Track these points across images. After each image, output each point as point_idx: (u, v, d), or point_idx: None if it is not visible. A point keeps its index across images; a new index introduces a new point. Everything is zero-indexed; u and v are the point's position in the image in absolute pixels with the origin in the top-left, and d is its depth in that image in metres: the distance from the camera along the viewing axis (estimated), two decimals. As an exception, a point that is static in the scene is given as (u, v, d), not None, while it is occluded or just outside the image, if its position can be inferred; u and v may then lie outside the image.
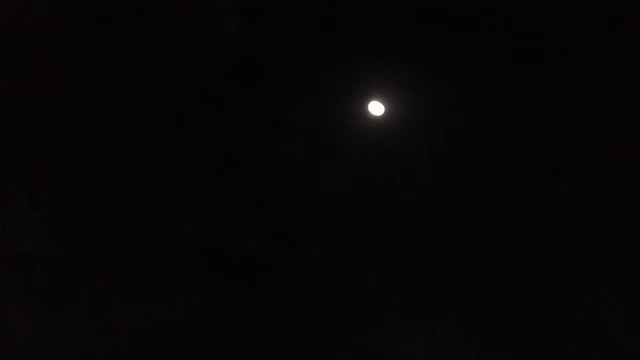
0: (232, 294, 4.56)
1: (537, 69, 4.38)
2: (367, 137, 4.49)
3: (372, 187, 4.60)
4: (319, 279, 4.64)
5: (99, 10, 4.20)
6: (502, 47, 4.30)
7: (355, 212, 4.64)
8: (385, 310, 4.68)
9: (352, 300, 4.65)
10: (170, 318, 4.45)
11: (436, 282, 4.70)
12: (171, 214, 4.46)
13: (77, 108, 4.29)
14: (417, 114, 4.45)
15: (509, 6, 4.21)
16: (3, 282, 4.22)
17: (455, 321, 4.69)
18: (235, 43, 4.29)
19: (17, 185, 4.27)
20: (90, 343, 4.31)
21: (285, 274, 4.63)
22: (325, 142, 4.47)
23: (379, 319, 4.69)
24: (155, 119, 4.36)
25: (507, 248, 4.68)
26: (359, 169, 4.56)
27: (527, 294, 4.73)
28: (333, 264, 4.64)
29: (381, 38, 4.29)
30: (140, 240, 4.44)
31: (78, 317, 4.30)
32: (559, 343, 4.75)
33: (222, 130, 4.43)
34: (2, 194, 4.24)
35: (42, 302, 4.25)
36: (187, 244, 4.50)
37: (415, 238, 4.67)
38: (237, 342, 4.55)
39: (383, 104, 4.41)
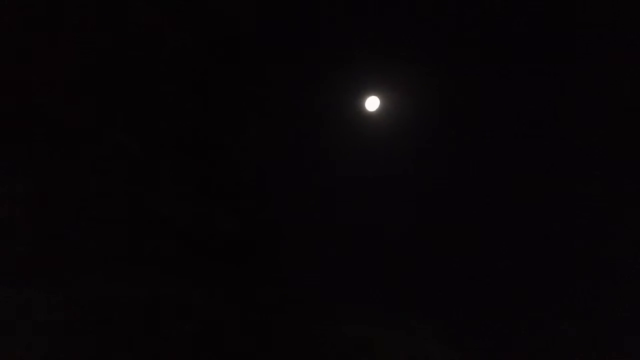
0: (209, 279, 4.55)
1: (533, 66, 4.36)
2: (360, 130, 4.49)
3: (360, 180, 4.58)
4: (299, 267, 4.65)
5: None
6: (500, 43, 4.28)
7: (341, 204, 4.63)
8: (365, 303, 4.70)
9: (334, 291, 4.66)
10: (147, 301, 4.45)
11: (423, 281, 4.71)
12: (149, 196, 4.45)
13: (53, 84, 4.26)
14: (412, 110, 4.44)
15: (507, 2, 4.19)
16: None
17: (437, 322, 4.70)
18: (225, 25, 4.23)
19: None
20: (67, 324, 4.34)
21: (265, 260, 4.63)
22: (315, 131, 4.46)
23: (358, 312, 4.70)
24: (133, 97, 4.31)
25: (498, 249, 4.70)
26: (346, 161, 4.55)
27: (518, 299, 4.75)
28: (314, 253, 4.65)
29: (379, 33, 4.26)
30: (116, 222, 4.43)
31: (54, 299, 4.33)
32: (542, 347, 4.76)
33: (206, 113, 4.40)
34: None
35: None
36: (164, 228, 4.48)
37: (399, 234, 4.67)
38: (215, 327, 4.55)
39: (379, 99, 4.41)
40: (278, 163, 4.50)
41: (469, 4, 4.16)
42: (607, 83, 4.41)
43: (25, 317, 4.28)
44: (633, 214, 4.64)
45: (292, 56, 4.26)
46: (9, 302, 4.27)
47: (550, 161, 4.54)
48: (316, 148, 4.49)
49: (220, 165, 4.47)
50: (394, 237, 4.65)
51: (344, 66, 4.30)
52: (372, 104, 4.41)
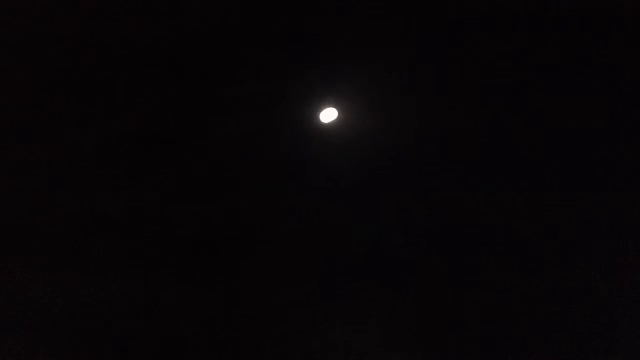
0: (168, 280, 4.55)
1: (503, 75, 4.31)
2: (317, 143, 4.46)
3: (316, 189, 4.55)
4: (253, 274, 4.63)
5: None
6: (459, 54, 4.24)
7: (295, 213, 4.60)
8: (323, 310, 4.68)
9: (285, 301, 4.65)
10: (106, 300, 4.47)
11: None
12: (105, 191, 4.44)
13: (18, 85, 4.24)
14: (370, 121, 4.40)
15: (470, 10, 4.12)
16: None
17: (381, 324, 4.69)
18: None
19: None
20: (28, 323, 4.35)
21: (224, 262, 4.61)
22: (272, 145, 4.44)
23: (317, 319, 4.70)
24: (90, 86, 4.28)
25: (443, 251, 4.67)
26: (302, 171, 4.52)
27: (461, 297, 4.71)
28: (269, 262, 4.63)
29: (337, 43, 4.21)
30: (75, 217, 4.43)
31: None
32: (490, 344, 4.74)
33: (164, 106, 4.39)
34: None
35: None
36: (123, 224, 4.48)
37: (354, 240, 4.65)
38: (202, 328, 4.54)
39: (336, 111, 4.37)
40: (243, 169, 4.49)
41: (430, 8, 4.10)
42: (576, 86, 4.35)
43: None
44: (634, 216, 4.60)
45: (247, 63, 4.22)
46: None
47: (530, 164, 4.49)
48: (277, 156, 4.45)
49: (190, 165, 4.45)
50: (345, 242, 4.64)
51: (299, 76, 4.26)
52: (328, 115, 4.36)
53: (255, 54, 4.18)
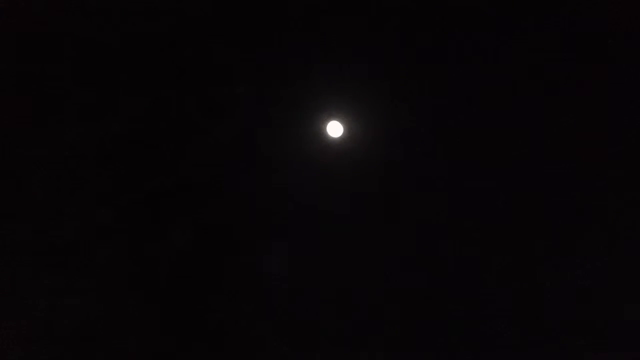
0: (168, 279, 4.53)
1: (502, 89, 4.31)
2: (322, 156, 4.45)
3: (316, 190, 4.53)
4: (248, 287, 4.60)
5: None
6: (465, 66, 4.23)
7: (296, 214, 4.59)
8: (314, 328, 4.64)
9: (279, 321, 4.61)
10: (106, 299, 4.44)
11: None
12: (87, 203, 4.42)
13: None
14: (376, 135, 4.39)
15: (473, 24, 4.12)
16: None
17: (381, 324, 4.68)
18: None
19: None
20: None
21: (211, 278, 4.58)
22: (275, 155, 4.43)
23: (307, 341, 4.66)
24: (90, 86, 4.28)
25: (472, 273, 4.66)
26: (303, 171, 4.50)
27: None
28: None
29: (342, 56, 4.21)
30: (75, 217, 4.41)
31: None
32: (490, 344, 4.70)
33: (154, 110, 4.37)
34: None
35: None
36: (103, 237, 4.45)
37: (352, 257, 4.61)
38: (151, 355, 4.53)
39: (342, 125, 4.36)
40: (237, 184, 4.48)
41: (434, 22, 4.10)
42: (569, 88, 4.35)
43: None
44: (634, 216, 4.60)
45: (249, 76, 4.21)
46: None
47: (530, 164, 4.49)
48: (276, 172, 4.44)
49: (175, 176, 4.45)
50: (343, 259, 4.62)
51: (304, 90, 4.25)
52: (334, 129, 4.35)
53: (253, 54, 4.18)
